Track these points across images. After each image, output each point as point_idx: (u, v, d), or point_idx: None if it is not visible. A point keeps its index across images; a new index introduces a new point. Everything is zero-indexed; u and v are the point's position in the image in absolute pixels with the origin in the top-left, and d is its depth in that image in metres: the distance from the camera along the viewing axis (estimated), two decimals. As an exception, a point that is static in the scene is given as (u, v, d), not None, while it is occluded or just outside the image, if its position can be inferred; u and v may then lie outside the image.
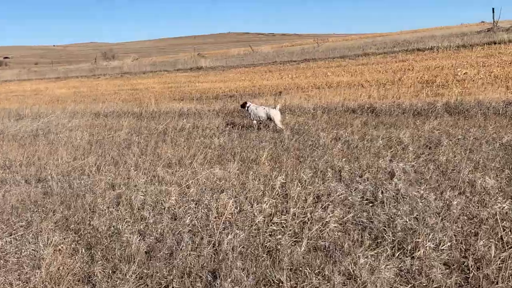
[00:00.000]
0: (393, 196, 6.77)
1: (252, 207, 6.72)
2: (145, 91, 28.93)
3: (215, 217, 6.57)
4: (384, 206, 6.45)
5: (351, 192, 7.14)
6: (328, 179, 7.70)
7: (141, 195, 7.56)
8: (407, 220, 5.85)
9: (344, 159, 8.80)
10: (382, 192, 6.87)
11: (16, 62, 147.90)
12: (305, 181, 7.61)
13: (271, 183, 7.72)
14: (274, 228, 6.10)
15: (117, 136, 13.51)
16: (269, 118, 12.71)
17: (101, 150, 11.84)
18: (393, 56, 34.05)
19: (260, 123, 13.10)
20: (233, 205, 6.77)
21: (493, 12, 46.63)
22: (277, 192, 7.23)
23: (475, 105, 13.06)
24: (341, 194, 6.97)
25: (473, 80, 18.88)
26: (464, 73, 20.64)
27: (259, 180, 8.01)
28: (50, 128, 15.76)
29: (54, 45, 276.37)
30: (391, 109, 13.77)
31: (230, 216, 6.53)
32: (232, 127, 13.43)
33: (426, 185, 7.11)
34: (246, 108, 13.30)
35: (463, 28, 61.15)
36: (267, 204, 6.66)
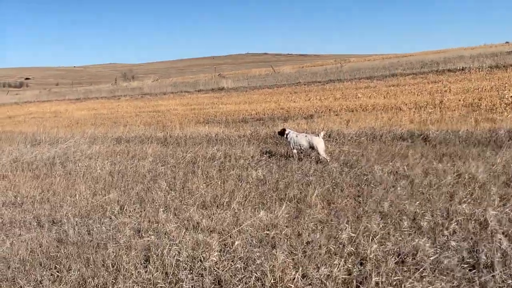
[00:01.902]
0: (500, 258, 5.29)
1: (318, 271, 5.30)
2: (167, 113, 27.74)
3: (272, 284, 5.15)
4: (494, 274, 4.98)
5: (441, 250, 5.67)
6: (405, 231, 6.25)
7: (175, 248, 6.17)
8: (534, 297, 4.39)
9: (417, 202, 7.33)
10: (484, 252, 5.39)
11: (37, 83, 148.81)
12: (376, 232, 6.16)
13: (334, 233, 6.30)
14: (355, 305, 4.67)
15: (141, 166, 12.21)
16: (312, 147, 11.31)
17: (123, 183, 10.54)
18: (423, 77, 32.60)
19: (301, 153, 11.70)
20: (292, 267, 5.35)
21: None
22: (346, 249, 5.78)
23: (545, 132, 11.56)
24: (429, 253, 5.51)
25: (525, 103, 17.35)
26: (512, 96, 19.09)
27: (316, 228, 6.61)
28: (68, 156, 14.53)
29: (74, 66, 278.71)
30: (446, 137, 12.29)
31: (291, 285, 5.10)
32: (269, 157, 12.04)
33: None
34: (285, 136, 11.90)
35: (489, 48, 59.63)
36: (338, 268, 5.21)
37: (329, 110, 21.98)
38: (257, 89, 39.65)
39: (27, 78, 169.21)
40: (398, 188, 8.17)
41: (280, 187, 9.07)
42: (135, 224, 7.66)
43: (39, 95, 63.56)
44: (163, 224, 7.42)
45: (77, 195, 9.60)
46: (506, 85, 23.22)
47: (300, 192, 8.54)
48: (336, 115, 20.43)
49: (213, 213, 7.76)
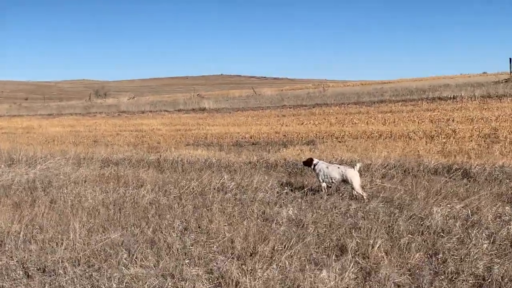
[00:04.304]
0: None
1: None
2: (152, 134, 25.96)
3: None
4: None
5: None
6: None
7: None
8: None
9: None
10: None
11: (6, 97, 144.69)
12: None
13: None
14: None
15: (140, 196, 10.45)
16: (345, 181, 9.75)
17: (123, 218, 8.80)
18: (414, 104, 31.51)
19: (330, 187, 10.11)
20: None
21: (511, 62, 45.49)
22: None
23: None
24: None
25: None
26: (531, 127, 17.95)
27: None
28: (50, 180, 12.67)
29: (45, 81, 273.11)
30: (491, 173, 10.87)
31: None
32: (291, 190, 10.42)
33: None
34: (313, 167, 10.29)
35: (468, 78, 59.38)
36: None
37: (330, 136, 20.58)
38: (240, 111, 38.01)
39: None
40: (485, 245, 6.57)
41: (320, 232, 7.47)
42: (154, 279, 5.94)
43: (9, 109, 60.78)
44: (193, 283, 5.72)
45: (70, 234, 7.79)
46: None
47: (351, 239, 6.93)
48: (339, 141, 19.04)
49: (253, 268, 6.08)
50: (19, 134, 29.76)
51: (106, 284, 5.84)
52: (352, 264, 5.92)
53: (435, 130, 19.42)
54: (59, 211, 9.38)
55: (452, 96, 32.91)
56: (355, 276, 5.74)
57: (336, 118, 27.68)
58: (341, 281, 5.55)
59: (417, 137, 18.34)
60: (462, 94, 32.90)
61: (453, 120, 22.48)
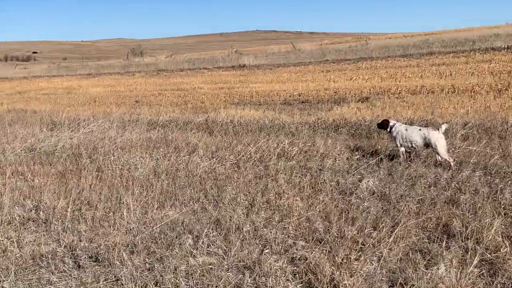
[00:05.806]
0: None
1: None
2: (194, 93, 24.93)
3: None
4: None
5: None
6: None
7: None
8: None
9: None
10: None
11: (44, 57, 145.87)
12: None
13: None
14: None
15: (194, 163, 9.43)
16: (427, 145, 8.53)
17: (179, 191, 7.81)
18: (467, 56, 29.60)
19: (409, 152, 8.90)
20: None
21: None
22: None
23: None
24: None
25: None
26: None
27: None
28: (95, 145, 11.77)
29: (82, 41, 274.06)
30: None
31: None
32: (363, 156, 9.26)
33: None
34: (389, 129, 9.07)
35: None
36: None
37: (386, 91, 19.19)
38: (281, 67, 36.52)
39: (34, 52, 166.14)
40: None
41: (413, 209, 6.33)
42: (228, 274, 4.93)
43: (49, 70, 60.63)
44: (277, 279, 4.70)
45: (123, 211, 6.84)
46: None
47: (457, 221, 5.76)
48: (397, 98, 17.66)
49: (347, 259, 5.01)
50: (60, 95, 29.16)
51: (172, 280, 4.86)
52: (477, 256, 4.75)
53: (501, 83, 17.84)
54: (107, 183, 8.44)
55: (505, 46, 31.00)
56: (479, 271, 4.61)
57: (386, 72, 26.16)
58: (464, 278, 4.43)
59: (483, 91, 16.87)
60: (515, 43, 30.93)
61: (516, 72, 20.80)
